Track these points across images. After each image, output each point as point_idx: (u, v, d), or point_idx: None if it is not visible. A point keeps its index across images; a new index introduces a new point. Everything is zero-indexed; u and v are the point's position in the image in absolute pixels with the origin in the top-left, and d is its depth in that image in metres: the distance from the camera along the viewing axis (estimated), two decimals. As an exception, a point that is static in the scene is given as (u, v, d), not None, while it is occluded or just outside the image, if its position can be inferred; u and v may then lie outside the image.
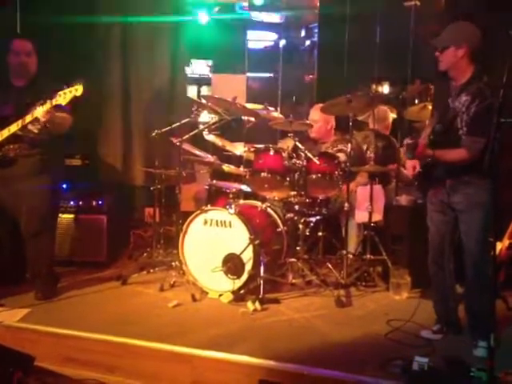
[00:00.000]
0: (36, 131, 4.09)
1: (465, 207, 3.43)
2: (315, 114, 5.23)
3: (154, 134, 4.99)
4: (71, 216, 5.10)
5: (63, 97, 3.94)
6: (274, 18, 7.74)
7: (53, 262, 4.48)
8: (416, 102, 6.02)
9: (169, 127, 5.02)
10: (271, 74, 7.36)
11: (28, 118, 3.99)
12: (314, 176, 4.48)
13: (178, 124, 5.05)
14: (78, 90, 3.96)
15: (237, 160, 5.47)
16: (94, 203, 5.19)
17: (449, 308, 3.68)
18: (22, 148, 4.15)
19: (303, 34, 7.97)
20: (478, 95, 3.34)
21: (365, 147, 5.29)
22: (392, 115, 5.71)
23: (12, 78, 4.27)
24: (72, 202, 5.14)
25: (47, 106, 3.94)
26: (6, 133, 4.06)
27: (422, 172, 3.54)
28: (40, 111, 3.94)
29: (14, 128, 4.04)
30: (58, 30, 5.52)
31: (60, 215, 4.99)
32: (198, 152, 5.07)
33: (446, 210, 3.56)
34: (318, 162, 4.43)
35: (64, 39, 5.61)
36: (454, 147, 3.39)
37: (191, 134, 4.83)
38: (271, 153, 4.51)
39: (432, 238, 3.71)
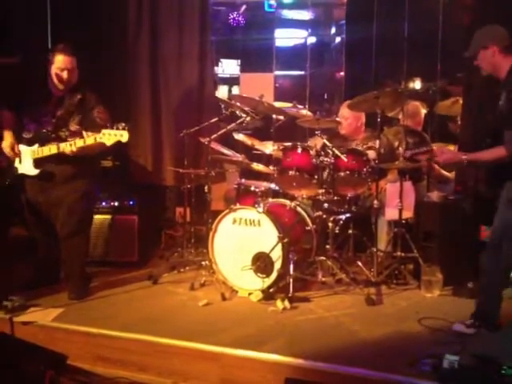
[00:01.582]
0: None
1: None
2: (345, 111, 5.20)
3: (182, 134, 5.02)
4: (103, 217, 5.17)
5: (107, 137, 4.00)
6: (304, 15, 7.72)
7: (86, 263, 4.56)
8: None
9: (197, 127, 5.05)
10: (301, 72, 7.33)
11: (71, 148, 4.07)
12: (342, 173, 4.47)
13: (206, 124, 5.08)
14: (123, 136, 4.01)
15: (266, 159, 5.48)
16: (126, 204, 5.27)
17: (491, 302, 3.60)
18: (59, 164, 4.24)
19: (333, 31, 7.94)
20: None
21: (396, 144, 5.24)
22: (423, 111, 5.63)
23: (52, 87, 4.32)
24: (104, 203, 5.21)
25: (91, 140, 4.02)
26: (46, 151, 4.18)
27: None
28: (81, 142, 4.05)
29: (54, 150, 4.16)
30: (85, 39, 5.60)
31: (96, 216, 5.10)
32: (226, 151, 5.09)
33: None
34: (345, 160, 4.40)
35: (92, 40, 5.68)
36: None
37: (219, 133, 4.85)
38: (299, 151, 4.52)
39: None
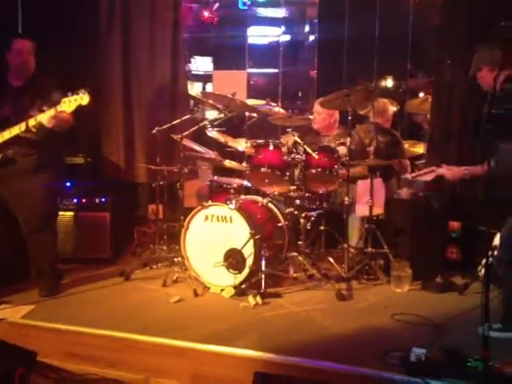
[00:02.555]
0: (35, 132, 4.10)
1: None
2: (319, 107, 5.24)
3: (154, 131, 5.01)
4: (75, 214, 5.14)
5: (68, 104, 3.96)
6: (278, 13, 7.75)
7: (56, 259, 4.52)
8: (421, 95, 6.04)
9: (169, 124, 5.05)
10: (275, 70, 7.36)
11: (32, 122, 4.01)
12: (313, 170, 4.50)
13: (178, 121, 5.08)
14: (83, 99, 3.96)
15: (240, 156, 5.51)
16: (98, 201, 5.24)
17: None
18: (20, 148, 4.18)
19: (307, 29, 7.98)
20: None
21: (367, 141, 5.30)
22: (393, 108, 5.71)
23: (10, 77, 4.29)
24: (75, 200, 5.19)
25: (51, 112, 3.97)
26: (7, 135, 4.08)
27: None
28: (44, 117, 3.98)
29: (15, 131, 4.06)
30: (58, 29, 5.56)
31: (64, 213, 5.10)
32: (198, 148, 5.09)
33: None
34: (316, 157, 4.44)
35: (63, 38, 5.64)
36: None
37: (191, 130, 4.86)
38: (271, 148, 4.54)
39: None
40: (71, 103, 3.95)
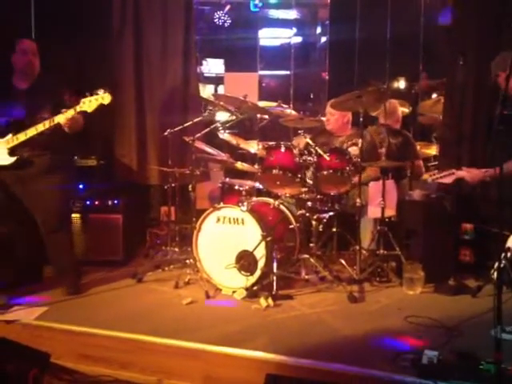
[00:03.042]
0: (49, 133, 4.13)
1: None
2: (331, 108, 5.25)
3: (166, 134, 5.03)
4: (87, 216, 5.17)
5: (88, 104, 3.99)
6: (290, 14, 7.75)
7: (75, 257, 4.58)
8: (433, 96, 6.02)
9: (181, 126, 5.07)
10: (287, 72, 7.36)
11: (48, 124, 4.04)
12: (325, 172, 4.49)
13: (190, 123, 5.10)
14: (104, 98, 4.00)
15: (252, 158, 5.52)
16: (110, 203, 5.25)
17: None
18: (34, 149, 4.21)
19: (319, 30, 7.98)
20: None
21: (378, 143, 5.29)
22: (404, 109, 5.69)
23: (15, 79, 4.31)
24: (88, 202, 5.21)
25: (71, 112, 4.00)
26: (22, 137, 4.12)
27: None
28: (62, 117, 4.01)
29: (32, 132, 4.10)
30: (70, 32, 5.59)
31: (76, 215, 5.11)
32: (210, 150, 5.11)
33: None
34: (328, 158, 4.44)
35: (75, 40, 5.68)
36: None
37: (203, 132, 4.88)
38: (282, 150, 4.53)
39: None
40: (92, 103, 3.98)
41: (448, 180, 4.29)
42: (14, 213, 4.38)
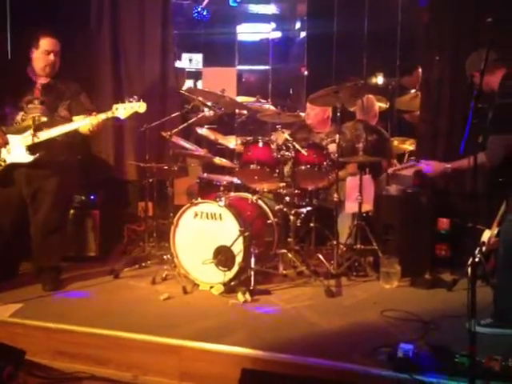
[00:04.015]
0: (72, 134, 4.15)
1: None
2: None
3: (143, 128, 5.00)
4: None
5: (122, 112, 3.99)
6: (269, 9, 7.75)
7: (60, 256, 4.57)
8: (413, 91, 6.06)
9: (159, 121, 5.03)
10: (265, 67, 7.36)
11: (79, 126, 4.08)
12: (303, 167, 4.50)
13: (167, 118, 5.07)
14: (141, 107, 4.03)
15: (231, 153, 5.51)
16: (87, 199, 5.23)
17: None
18: (53, 149, 4.19)
19: (298, 26, 7.98)
20: None
21: (355, 138, 5.30)
22: (381, 105, 5.72)
23: (31, 72, 4.25)
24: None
25: (101, 116, 4.03)
26: (45, 136, 4.09)
27: None
28: (95, 120, 4.04)
29: (56, 133, 4.09)
30: (46, 26, 5.51)
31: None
32: (188, 145, 5.09)
33: None
34: (306, 154, 4.45)
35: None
36: None
37: (180, 127, 4.85)
38: (260, 145, 4.54)
39: None
40: (127, 110, 4.03)
41: (408, 172, 4.34)
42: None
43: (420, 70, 6.09)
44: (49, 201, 4.24)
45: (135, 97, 4.07)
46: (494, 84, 3.77)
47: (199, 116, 4.90)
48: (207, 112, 4.80)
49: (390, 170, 4.56)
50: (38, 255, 4.43)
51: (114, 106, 4.02)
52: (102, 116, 4.04)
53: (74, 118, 4.24)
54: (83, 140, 5.73)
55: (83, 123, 4.08)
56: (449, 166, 3.99)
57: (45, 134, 4.08)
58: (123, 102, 4.08)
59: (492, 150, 3.63)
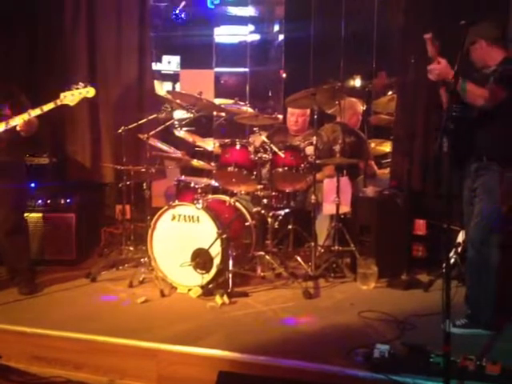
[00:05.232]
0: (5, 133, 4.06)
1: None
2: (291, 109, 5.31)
3: (120, 131, 4.97)
4: (39, 215, 5.07)
5: (70, 98, 3.91)
6: (249, 11, 7.73)
7: (30, 258, 4.54)
8: (389, 93, 6.10)
9: (136, 123, 5.01)
10: (243, 69, 7.35)
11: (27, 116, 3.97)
12: (280, 169, 4.51)
13: (145, 120, 5.04)
14: (89, 91, 3.94)
15: (209, 156, 5.50)
16: (63, 202, 5.17)
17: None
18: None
19: (277, 28, 7.98)
20: None
21: (332, 140, 5.33)
22: (361, 107, 5.76)
23: None
24: (40, 201, 5.11)
25: (49, 106, 3.94)
26: None
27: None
28: (39, 112, 3.96)
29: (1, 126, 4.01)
30: (20, 27, 5.49)
31: (28, 214, 4.98)
32: (165, 147, 5.07)
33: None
34: (283, 156, 4.46)
35: (26, 36, 5.57)
36: None
37: (157, 130, 4.84)
38: (237, 147, 4.54)
39: None
40: (75, 97, 3.93)
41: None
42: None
43: (383, 72, 6.17)
44: (7, 204, 4.21)
45: (81, 83, 4.00)
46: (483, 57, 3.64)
47: (176, 118, 4.89)
48: (185, 115, 4.78)
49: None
50: (5, 257, 4.41)
51: (62, 94, 3.94)
52: (51, 105, 3.96)
53: (14, 117, 4.15)
54: (56, 141, 5.75)
55: (17, 121, 4.01)
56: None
57: None
58: (70, 89, 4.01)
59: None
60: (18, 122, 4.01)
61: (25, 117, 4.00)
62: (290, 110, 5.41)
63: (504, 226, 3.52)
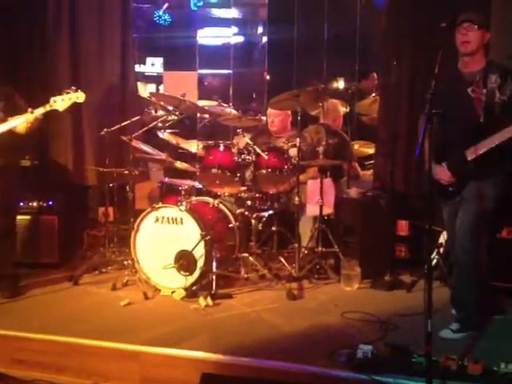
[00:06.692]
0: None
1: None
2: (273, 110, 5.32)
3: (103, 132, 4.94)
4: (22, 218, 4.99)
5: (60, 104, 3.89)
6: (232, 13, 7.74)
7: (14, 262, 4.50)
8: (373, 95, 6.14)
9: (119, 125, 4.99)
10: (226, 71, 7.36)
11: (16, 125, 3.97)
12: (263, 171, 4.52)
13: (128, 122, 5.02)
14: (79, 97, 3.93)
15: (193, 157, 5.49)
16: (45, 204, 5.14)
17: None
18: None
19: (260, 30, 8.01)
20: None
21: (316, 142, 5.35)
22: (342, 109, 5.78)
23: None
24: (22, 204, 5.05)
25: (40, 111, 3.92)
26: None
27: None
28: (31, 117, 3.93)
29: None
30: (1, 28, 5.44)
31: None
32: (148, 149, 5.05)
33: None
34: (266, 158, 4.47)
35: (6, 37, 5.52)
36: None
37: (140, 131, 4.82)
38: (221, 149, 4.54)
39: None
40: (65, 102, 3.91)
41: None
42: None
43: (375, 74, 6.21)
44: None
45: (73, 87, 3.99)
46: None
47: (159, 120, 4.88)
48: (168, 117, 4.78)
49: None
50: None
51: (52, 99, 3.92)
52: (41, 110, 3.95)
53: (10, 118, 4.13)
54: (38, 143, 5.70)
55: (19, 121, 3.99)
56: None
57: None
58: (60, 94, 3.99)
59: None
60: (18, 122, 3.99)
61: (29, 117, 3.97)
62: (267, 111, 5.43)
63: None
